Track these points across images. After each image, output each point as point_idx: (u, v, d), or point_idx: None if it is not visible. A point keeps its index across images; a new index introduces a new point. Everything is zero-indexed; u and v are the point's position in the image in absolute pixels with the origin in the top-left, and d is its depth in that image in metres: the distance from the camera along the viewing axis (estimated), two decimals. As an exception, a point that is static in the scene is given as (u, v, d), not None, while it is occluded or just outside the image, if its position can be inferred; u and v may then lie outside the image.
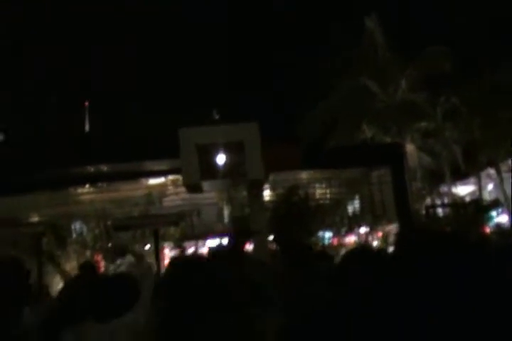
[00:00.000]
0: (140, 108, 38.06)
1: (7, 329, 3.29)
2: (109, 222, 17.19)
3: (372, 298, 3.70)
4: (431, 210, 18.87)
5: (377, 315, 3.52)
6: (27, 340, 3.50)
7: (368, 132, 25.95)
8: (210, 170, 13.88)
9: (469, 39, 26.01)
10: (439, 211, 19.70)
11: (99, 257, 17.22)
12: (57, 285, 16.48)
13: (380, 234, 18.12)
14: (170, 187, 18.71)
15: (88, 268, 11.09)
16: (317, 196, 19.22)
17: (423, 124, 26.11)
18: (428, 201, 26.50)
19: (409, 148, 24.94)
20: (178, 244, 21.43)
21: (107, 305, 4.48)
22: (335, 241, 19.64)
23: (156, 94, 39.58)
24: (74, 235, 17.10)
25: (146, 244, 18.34)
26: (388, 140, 25.37)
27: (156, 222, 15.35)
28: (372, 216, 19.35)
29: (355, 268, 4.87)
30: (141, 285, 5.35)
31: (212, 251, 12.51)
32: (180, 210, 20.15)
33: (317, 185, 19.93)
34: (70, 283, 6.64)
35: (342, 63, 25.54)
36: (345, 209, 20.82)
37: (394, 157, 16.03)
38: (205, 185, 14.75)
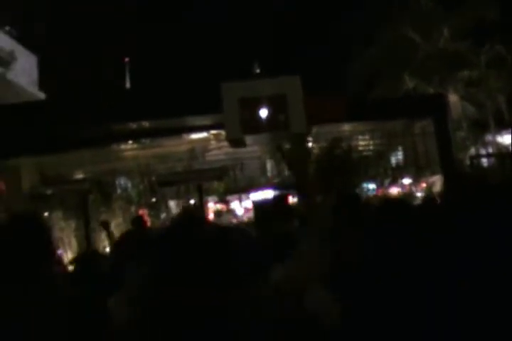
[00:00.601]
0: (181, 62, 37.95)
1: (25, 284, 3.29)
2: (153, 178, 17.33)
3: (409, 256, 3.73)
4: (475, 160, 18.66)
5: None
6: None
7: (410, 83, 25.60)
8: (252, 124, 13.88)
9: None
10: (484, 161, 19.49)
11: (144, 213, 17.43)
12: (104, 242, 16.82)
13: (423, 184, 18.01)
14: (213, 142, 18.76)
15: (139, 222, 11.38)
16: (360, 148, 19.13)
17: (466, 73, 25.65)
18: (472, 151, 26.22)
19: (453, 98, 24.57)
20: (222, 198, 21.62)
21: None
22: (379, 192, 19.57)
23: (197, 48, 39.35)
24: (119, 191, 17.27)
25: (190, 199, 18.49)
26: (431, 90, 25.02)
27: (200, 177, 15.50)
28: (415, 167, 19.26)
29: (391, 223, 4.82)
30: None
31: (256, 205, 12.64)
32: (224, 164, 20.27)
33: (360, 137, 19.82)
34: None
35: (383, 13, 25.09)
36: (389, 160, 20.73)
37: (437, 108, 15.83)
38: (248, 139, 14.78)
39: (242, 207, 21.56)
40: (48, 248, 3.45)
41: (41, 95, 31.66)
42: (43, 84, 32.88)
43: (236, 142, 15.21)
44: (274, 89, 14.14)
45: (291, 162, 16.12)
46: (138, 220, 11.69)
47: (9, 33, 31.31)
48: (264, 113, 13.84)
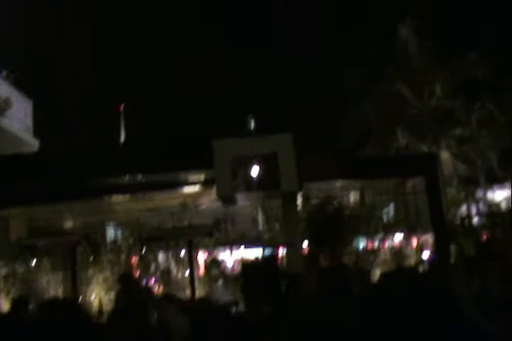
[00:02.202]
0: (175, 115, 38.24)
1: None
2: (142, 234, 17.28)
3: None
4: (466, 220, 18.71)
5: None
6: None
7: (402, 139, 25.81)
8: (243, 182, 13.91)
9: (505, 44, 25.73)
10: (475, 221, 19.54)
11: (134, 263, 17.34)
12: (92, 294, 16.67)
13: (414, 242, 17.96)
14: (205, 196, 18.77)
15: (127, 280, 11.34)
16: (351, 205, 19.11)
17: (458, 131, 25.91)
18: (464, 207, 26.28)
19: (445, 155, 24.78)
20: (212, 250, 21.42)
21: None
22: (369, 246, 19.44)
23: (190, 104, 39.68)
24: (108, 244, 17.18)
25: (180, 251, 18.31)
26: (423, 147, 25.22)
27: (190, 233, 15.45)
28: (406, 225, 19.21)
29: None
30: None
31: (245, 266, 12.56)
32: (215, 219, 20.19)
33: (351, 194, 19.85)
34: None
35: (375, 69, 25.42)
36: (380, 218, 20.67)
37: (428, 167, 15.94)
38: (239, 197, 14.78)
39: (232, 258, 21.39)
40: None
41: (35, 143, 31.76)
42: (37, 129, 33.04)
43: (227, 199, 15.23)
44: (266, 147, 14.21)
45: (281, 220, 16.10)
46: (125, 278, 11.67)
47: (5, 78, 31.54)
48: (255, 171, 13.88)
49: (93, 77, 39.54)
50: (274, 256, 15.75)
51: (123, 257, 17.30)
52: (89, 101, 37.67)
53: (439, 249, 15.58)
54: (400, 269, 10.50)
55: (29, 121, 33.72)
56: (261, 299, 7.58)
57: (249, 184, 13.95)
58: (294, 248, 14.26)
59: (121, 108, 33.65)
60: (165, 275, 17.55)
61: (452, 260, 14.87)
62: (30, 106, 34.26)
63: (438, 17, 26.60)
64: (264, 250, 16.84)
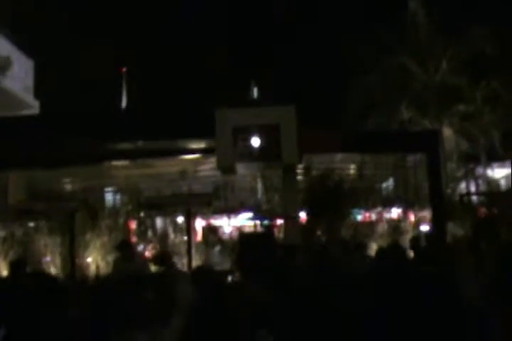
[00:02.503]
0: (177, 83, 38.00)
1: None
2: (141, 199, 17.26)
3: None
4: (465, 198, 18.67)
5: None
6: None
7: (405, 113, 25.65)
8: (244, 152, 13.85)
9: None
10: (474, 198, 19.50)
11: (131, 232, 17.35)
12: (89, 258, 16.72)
13: (412, 219, 17.96)
14: (204, 163, 18.76)
15: (125, 248, 11.38)
16: (351, 178, 19.09)
17: (462, 108, 25.74)
18: (463, 184, 26.29)
19: (447, 131, 24.70)
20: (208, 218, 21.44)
21: None
22: (367, 219, 19.44)
23: (193, 71, 39.37)
24: (106, 210, 17.16)
25: (177, 216, 18.22)
26: (426, 122, 25.10)
27: (189, 202, 15.46)
28: (405, 200, 19.21)
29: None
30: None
31: (243, 237, 12.56)
32: (214, 187, 20.20)
33: (352, 168, 19.85)
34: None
35: (382, 43, 25.16)
36: (379, 192, 20.70)
37: (430, 144, 15.87)
38: (239, 167, 14.75)
39: (230, 225, 21.45)
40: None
41: (35, 103, 31.58)
42: (37, 90, 32.82)
43: (227, 169, 15.20)
44: (268, 118, 14.13)
45: (281, 191, 16.09)
46: (123, 245, 11.70)
47: (7, 37, 31.26)
48: (256, 142, 13.82)
49: (96, 38, 39.25)
50: (271, 227, 15.78)
51: (121, 223, 17.28)
52: (92, 63, 37.34)
53: (436, 225, 15.60)
54: (396, 245, 10.53)
55: (30, 81, 33.41)
56: (257, 270, 7.62)
57: (250, 154, 13.89)
58: (291, 220, 14.26)
59: (124, 71, 33.44)
60: (162, 241, 17.57)
61: (449, 237, 14.91)
62: (32, 66, 34.01)
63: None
64: (262, 220, 16.86)
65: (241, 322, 4.42)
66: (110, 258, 16.76)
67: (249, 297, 4.77)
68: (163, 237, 17.59)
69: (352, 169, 20.18)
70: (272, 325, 4.82)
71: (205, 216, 19.39)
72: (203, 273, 5.77)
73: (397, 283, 5.31)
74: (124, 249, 11.27)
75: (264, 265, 7.68)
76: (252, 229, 18.56)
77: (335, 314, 4.98)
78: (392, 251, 8.51)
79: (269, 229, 15.40)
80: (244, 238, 12.06)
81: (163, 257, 11.36)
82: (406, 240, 16.63)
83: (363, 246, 11.50)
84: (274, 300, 5.08)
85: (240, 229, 19.02)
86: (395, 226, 17.42)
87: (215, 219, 20.51)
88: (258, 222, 17.94)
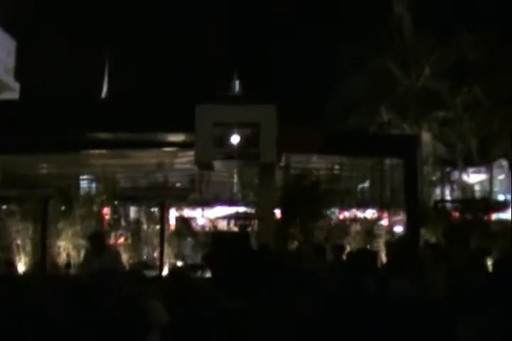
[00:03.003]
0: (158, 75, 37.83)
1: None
2: (117, 190, 17.20)
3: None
4: (440, 204, 18.83)
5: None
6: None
7: (385, 116, 25.76)
8: (223, 149, 13.81)
9: (497, 29, 25.53)
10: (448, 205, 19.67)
11: (104, 224, 17.26)
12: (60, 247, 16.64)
13: (386, 223, 18.06)
14: (181, 157, 18.73)
15: (97, 239, 11.27)
16: (328, 179, 19.14)
17: (441, 113, 25.90)
18: (438, 188, 26.53)
19: (425, 136, 24.86)
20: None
21: None
22: (342, 221, 19.49)
23: (177, 64, 39.17)
24: (80, 199, 17.06)
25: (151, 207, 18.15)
26: (405, 126, 25.25)
27: (164, 195, 15.42)
28: (380, 203, 19.30)
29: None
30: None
31: (216, 238, 12.61)
32: (190, 180, 20.13)
33: (329, 168, 19.88)
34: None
35: (366, 44, 25.22)
36: (355, 193, 20.76)
37: (408, 150, 15.98)
38: (217, 164, 14.71)
39: (203, 217, 21.43)
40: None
41: (16, 86, 31.29)
42: (18, 72, 32.49)
43: (204, 165, 15.18)
44: (249, 116, 14.09)
45: (257, 189, 16.07)
46: (95, 237, 11.60)
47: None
48: (235, 140, 13.78)
49: (83, 21, 39.02)
50: (245, 227, 15.78)
51: (95, 212, 17.20)
52: (75, 47, 37.07)
53: (410, 230, 15.73)
54: (366, 251, 10.60)
55: (11, 62, 33.11)
56: (228, 270, 7.64)
57: (228, 152, 13.85)
58: (265, 220, 14.27)
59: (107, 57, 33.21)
60: (135, 231, 17.52)
61: (422, 243, 15.00)
62: (14, 46, 33.62)
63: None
64: (236, 220, 16.86)
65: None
66: (81, 247, 16.75)
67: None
68: (136, 227, 17.55)
69: (329, 170, 20.22)
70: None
71: (179, 207, 19.36)
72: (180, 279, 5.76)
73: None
74: (96, 241, 11.12)
75: (236, 265, 7.72)
76: (225, 225, 18.53)
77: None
78: (362, 258, 8.59)
79: (243, 229, 15.41)
80: (217, 237, 12.14)
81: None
82: (379, 243, 16.78)
83: (339, 249, 11.46)
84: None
85: (212, 222, 18.93)
86: (369, 228, 17.51)
87: (188, 210, 20.47)
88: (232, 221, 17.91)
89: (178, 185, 20.71)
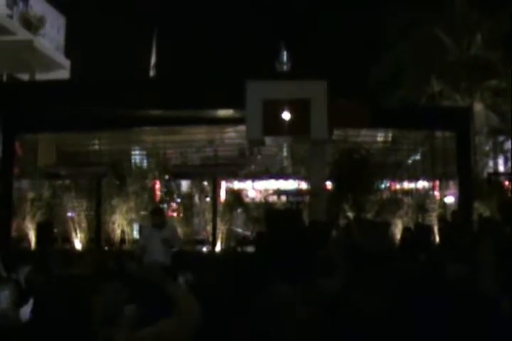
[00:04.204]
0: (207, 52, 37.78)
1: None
2: (168, 167, 17.39)
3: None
4: (493, 177, 18.57)
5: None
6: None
7: (436, 86, 25.32)
8: (274, 125, 13.80)
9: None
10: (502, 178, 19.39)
11: (156, 199, 17.50)
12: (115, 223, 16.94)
13: (437, 196, 17.91)
14: (231, 132, 18.80)
15: (159, 213, 11.79)
16: (379, 152, 19.02)
17: (494, 83, 25.37)
18: (491, 160, 26.12)
19: (478, 106, 24.40)
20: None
21: None
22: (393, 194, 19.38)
23: (225, 40, 39.03)
24: (133, 176, 17.29)
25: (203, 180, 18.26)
26: (457, 96, 24.79)
27: (215, 172, 15.54)
28: (432, 175, 19.13)
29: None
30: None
31: (269, 215, 12.66)
32: (240, 152, 20.11)
33: (380, 142, 19.75)
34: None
35: (413, 13, 24.73)
36: (406, 167, 20.57)
37: (460, 123, 15.81)
38: (268, 139, 14.75)
39: (254, 189, 21.52)
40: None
41: (66, 63, 31.66)
42: (68, 48, 32.86)
43: (255, 142, 15.22)
44: (299, 92, 14.01)
45: (308, 164, 16.08)
46: (156, 212, 12.06)
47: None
48: (286, 115, 13.75)
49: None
50: (298, 204, 15.82)
51: (148, 188, 17.44)
52: (124, 23, 37.24)
53: (463, 204, 15.63)
54: (422, 226, 10.51)
55: (61, 40, 33.52)
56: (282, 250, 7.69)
57: (279, 128, 13.85)
58: (317, 196, 14.28)
59: (154, 32, 33.23)
60: (187, 205, 17.73)
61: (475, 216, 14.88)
62: (63, 22, 33.98)
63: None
64: (288, 197, 16.87)
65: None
66: (135, 222, 17.06)
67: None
68: (188, 201, 17.76)
69: (380, 143, 20.08)
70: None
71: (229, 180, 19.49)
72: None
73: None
74: (157, 216, 11.57)
75: (290, 244, 7.77)
76: (275, 198, 18.51)
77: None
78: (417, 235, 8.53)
79: (296, 207, 15.47)
80: (271, 215, 12.19)
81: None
82: (432, 217, 16.70)
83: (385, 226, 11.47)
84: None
85: (263, 195, 18.94)
86: (421, 201, 17.40)
87: (238, 182, 20.57)
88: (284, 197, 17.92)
89: (228, 160, 20.77)
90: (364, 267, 6.42)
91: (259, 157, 20.96)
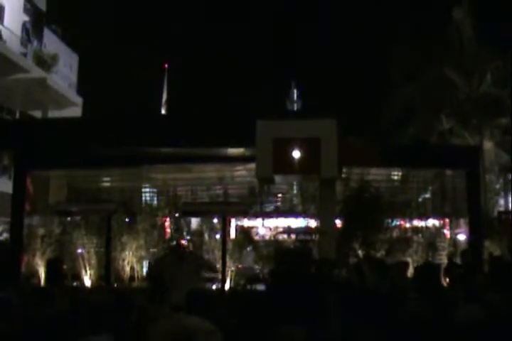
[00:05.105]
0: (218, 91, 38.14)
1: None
2: (178, 206, 17.40)
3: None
4: (504, 215, 18.50)
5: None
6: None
7: (446, 124, 25.45)
8: (283, 164, 13.88)
9: None
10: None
11: (166, 236, 17.50)
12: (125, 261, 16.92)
13: (447, 235, 17.84)
14: (242, 170, 18.84)
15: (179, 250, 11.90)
16: (389, 192, 19.01)
17: (504, 121, 25.46)
18: (502, 198, 26.07)
19: (487, 144, 24.48)
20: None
21: None
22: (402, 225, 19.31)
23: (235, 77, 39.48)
24: (143, 213, 17.33)
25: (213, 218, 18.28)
26: (466, 134, 24.90)
27: (226, 211, 15.54)
28: (442, 213, 19.08)
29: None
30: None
31: (279, 252, 12.66)
32: (250, 191, 20.15)
33: (390, 180, 19.74)
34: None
35: (423, 52, 24.97)
36: (416, 206, 20.52)
37: (470, 161, 15.81)
38: (277, 178, 14.80)
39: (264, 226, 21.50)
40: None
41: (78, 100, 31.99)
42: (80, 85, 33.23)
43: (265, 180, 15.27)
44: (309, 131, 14.13)
45: (318, 203, 16.09)
46: (177, 248, 12.14)
47: (55, 32, 31.68)
48: (296, 154, 13.83)
49: (142, 35, 39.59)
50: (307, 243, 15.76)
51: (158, 225, 17.46)
52: (135, 62, 37.71)
53: (473, 242, 15.55)
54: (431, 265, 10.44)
55: (74, 77, 33.95)
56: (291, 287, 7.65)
57: (289, 167, 13.91)
58: (327, 235, 14.27)
59: (166, 66, 33.54)
60: (197, 243, 17.70)
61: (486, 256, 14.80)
62: (76, 60, 34.45)
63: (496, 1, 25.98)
64: (297, 235, 16.84)
65: None
66: (145, 260, 17.04)
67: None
68: (198, 239, 17.73)
69: (389, 181, 20.09)
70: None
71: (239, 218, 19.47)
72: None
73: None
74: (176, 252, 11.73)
75: (299, 281, 7.74)
76: (285, 236, 18.49)
77: None
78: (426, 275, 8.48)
79: (306, 245, 15.43)
80: (281, 254, 12.19)
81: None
82: (442, 256, 16.59)
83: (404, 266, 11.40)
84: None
85: (273, 233, 18.93)
86: (431, 239, 17.30)
87: (248, 219, 20.57)
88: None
89: (238, 198, 20.78)
90: (373, 308, 6.38)
91: (269, 195, 20.96)
